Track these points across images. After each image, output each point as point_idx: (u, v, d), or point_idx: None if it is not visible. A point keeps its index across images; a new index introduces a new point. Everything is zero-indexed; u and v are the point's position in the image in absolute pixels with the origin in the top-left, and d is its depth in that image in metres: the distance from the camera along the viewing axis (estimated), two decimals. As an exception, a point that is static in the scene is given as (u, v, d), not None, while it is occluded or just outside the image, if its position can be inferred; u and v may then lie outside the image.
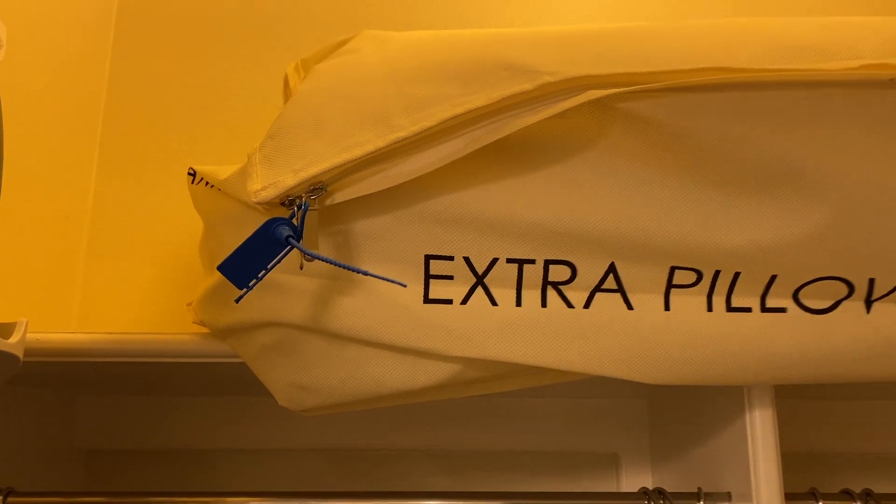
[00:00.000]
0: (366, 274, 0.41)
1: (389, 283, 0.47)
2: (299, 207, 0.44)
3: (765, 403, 0.54)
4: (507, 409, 0.81)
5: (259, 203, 0.44)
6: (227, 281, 0.50)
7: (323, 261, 0.42)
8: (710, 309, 0.47)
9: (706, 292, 0.47)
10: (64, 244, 0.79)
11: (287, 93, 0.70)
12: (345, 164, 0.43)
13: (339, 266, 0.42)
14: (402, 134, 0.43)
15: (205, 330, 0.56)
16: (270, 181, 0.44)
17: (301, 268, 0.45)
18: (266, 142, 0.47)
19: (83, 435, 0.77)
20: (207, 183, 0.53)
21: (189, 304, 0.62)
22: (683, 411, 0.71)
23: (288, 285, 0.48)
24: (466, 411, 0.80)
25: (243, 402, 0.78)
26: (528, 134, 0.44)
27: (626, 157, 0.44)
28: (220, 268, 0.42)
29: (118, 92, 0.87)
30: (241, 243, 0.48)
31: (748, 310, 0.47)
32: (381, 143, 0.43)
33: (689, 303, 0.47)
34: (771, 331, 0.47)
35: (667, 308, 0.47)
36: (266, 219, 0.47)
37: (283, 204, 0.44)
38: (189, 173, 0.55)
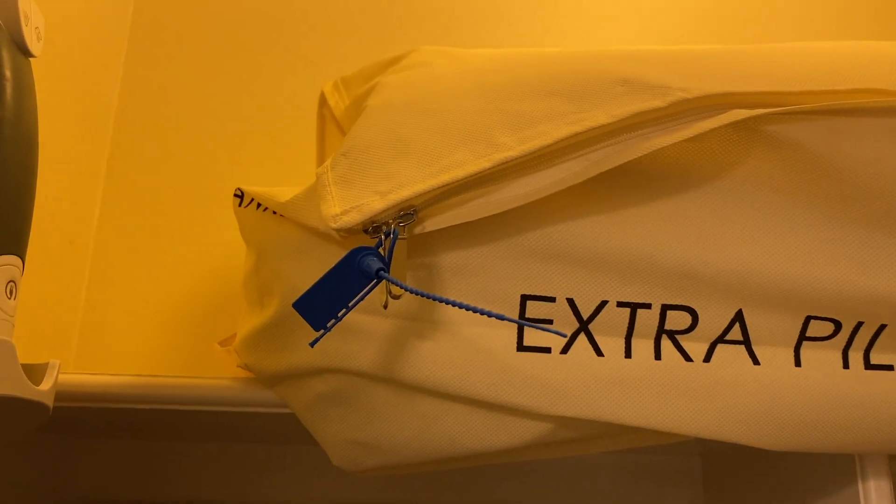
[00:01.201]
0: (477, 311, 0.34)
1: (477, 327, 0.40)
2: (387, 235, 0.37)
3: (880, 472, 0.48)
4: (545, 464, 0.74)
5: (339, 229, 0.37)
6: (282, 319, 0.44)
7: (425, 297, 0.36)
8: (846, 366, 0.41)
9: (842, 346, 0.41)
10: (66, 270, 0.72)
11: (324, 113, 0.64)
12: (441, 186, 0.37)
13: (448, 303, 0.35)
14: (509, 154, 0.37)
15: (237, 373, 0.49)
16: (353, 204, 0.38)
17: (385, 306, 0.38)
18: (339, 160, 0.40)
19: (79, 482, 0.68)
20: (259, 205, 0.46)
21: (222, 344, 0.55)
22: (753, 473, 0.65)
23: (358, 326, 0.41)
24: (501, 465, 0.73)
25: (258, 451, 0.70)
26: (647, 159, 0.38)
27: (765, 189, 0.39)
28: (297, 305, 0.36)
29: (128, 110, 0.80)
30: (308, 275, 0.42)
31: (889, 368, 0.41)
32: (485, 164, 0.37)
33: (822, 358, 0.41)
34: (916, 392, 0.41)
35: (797, 364, 0.41)
36: (340, 247, 0.41)
37: (365, 231, 0.38)
38: (236, 195, 0.48)
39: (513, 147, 0.38)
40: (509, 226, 0.39)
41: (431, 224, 0.38)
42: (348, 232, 0.37)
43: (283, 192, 0.44)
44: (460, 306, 0.34)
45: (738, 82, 0.37)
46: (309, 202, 0.41)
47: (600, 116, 0.37)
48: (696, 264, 0.39)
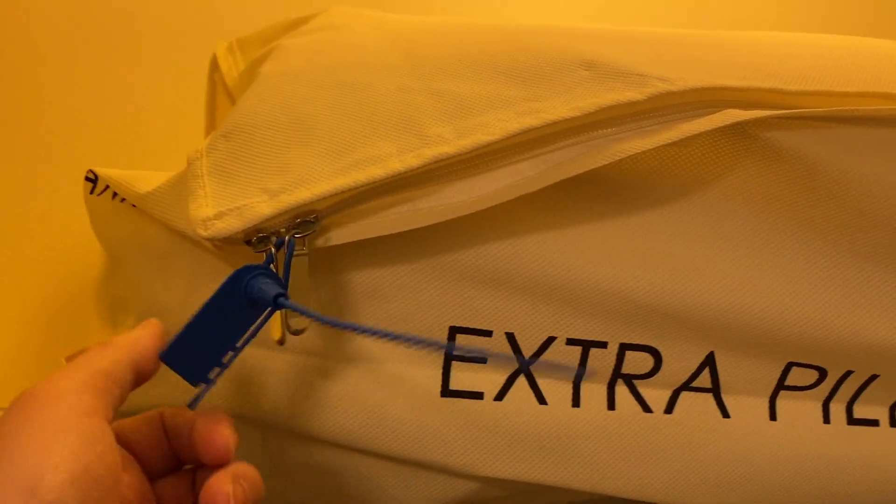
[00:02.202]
0: (402, 339, 0.25)
1: (395, 365, 0.32)
2: (279, 247, 0.28)
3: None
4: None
5: (211, 238, 0.28)
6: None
7: (344, 328, 0.26)
8: (826, 420, 0.35)
9: (823, 398, 0.35)
10: None
11: (216, 79, 0.53)
12: (354, 188, 0.28)
13: (373, 333, 0.25)
14: (444, 150, 0.29)
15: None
16: (231, 205, 0.28)
17: (281, 342, 0.29)
18: (217, 143, 0.31)
19: None
20: (116, 195, 0.36)
21: (70, 360, 0.45)
22: None
23: (245, 362, 0.32)
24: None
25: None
26: (611, 165, 0.30)
27: (751, 209, 0.32)
28: (165, 357, 0.26)
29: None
30: (174, 290, 0.32)
31: (874, 423, 0.35)
32: (412, 162, 0.29)
33: (800, 411, 0.35)
34: (901, 451, 0.35)
35: (772, 417, 0.34)
36: (217, 258, 0.31)
37: (248, 242, 0.29)
38: (87, 178, 0.38)
39: (449, 141, 0.29)
40: (439, 241, 0.31)
41: (338, 236, 0.29)
42: (224, 241, 0.28)
43: (147, 177, 0.34)
44: (384, 335, 0.24)
45: (730, 75, 0.30)
46: (175, 196, 0.31)
47: (560, 108, 0.29)
48: (664, 297, 0.32)
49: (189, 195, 0.29)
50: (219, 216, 0.28)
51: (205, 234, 0.28)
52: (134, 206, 0.35)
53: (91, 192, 0.38)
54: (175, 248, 0.33)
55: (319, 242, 0.29)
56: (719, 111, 0.29)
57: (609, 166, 0.30)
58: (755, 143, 0.30)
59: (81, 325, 0.53)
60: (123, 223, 0.35)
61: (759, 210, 0.31)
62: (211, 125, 0.55)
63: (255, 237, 0.28)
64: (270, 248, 0.28)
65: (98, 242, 0.39)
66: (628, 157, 0.29)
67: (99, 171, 0.37)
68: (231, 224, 0.28)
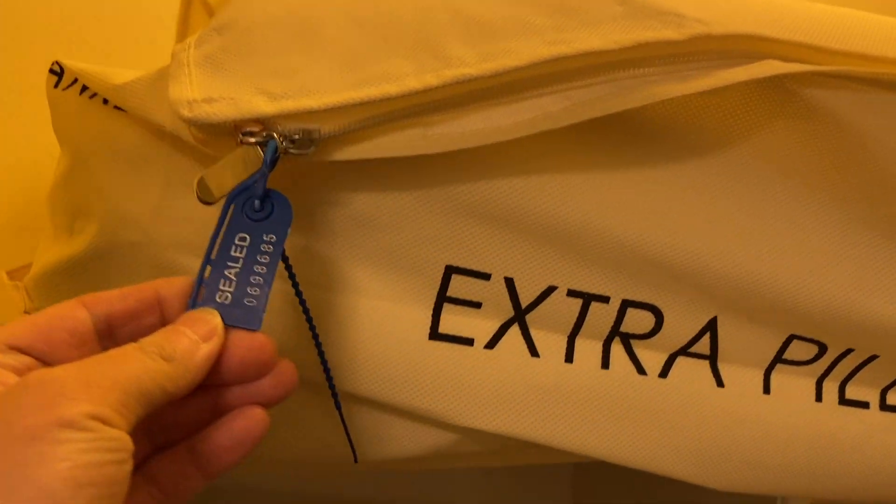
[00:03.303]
0: None
1: (384, 302, 0.30)
2: (268, 154, 0.25)
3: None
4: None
5: (194, 121, 0.25)
6: (99, 253, 0.31)
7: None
8: (818, 398, 0.34)
9: (818, 375, 0.34)
10: None
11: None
12: (367, 103, 0.26)
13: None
14: (466, 71, 0.26)
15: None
16: (223, 94, 0.25)
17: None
18: (209, 36, 0.28)
19: None
20: (84, 90, 0.32)
21: (11, 275, 0.41)
22: (629, 489, 0.58)
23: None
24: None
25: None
26: (636, 110, 0.28)
27: (776, 169, 0.30)
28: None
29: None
30: (143, 196, 0.30)
31: (865, 405, 0.34)
32: (432, 81, 0.26)
33: (793, 386, 0.34)
34: (887, 436, 0.34)
35: (766, 391, 0.33)
36: (195, 161, 0.29)
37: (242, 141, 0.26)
38: (52, 71, 0.34)
39: (470, 63, 0.26)
40: (446, 171, 0.29)
41: (341, 153, 0.26)
42: (208, 132, 0.25)
43: (121, 73, 0.31)
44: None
45: (769, 25, 0.28)
46: (155, 89, 0.28)
47: (593, 39, 0.27)
48: (674, 253, 0.30)
49: (171, 80, 0.26)
50: (208, 101, 0.25)
51: (189, 114, 0.24)
52: (105, 102, 0.31)
53: (55, 87, 0.34)
54: (149, 150, 0.29)
55: (317, 156, 0.26)
56: (759, 62, 0.27)
57: (633, 111, 0.28)
58: (790, 100, 0.29)
59: (29, 236, 0.49)
60: (91, 121, 0.32)
61: (781, 172, 0.30)
62: (182, 39, 0.51)
63: (243, 133, 0.25)
64: (274, 137, 0.25)
65: (56, 142, 0.35)
66: (655, 102, 0.27)
67: (66, 63, 0.34)
68: (223, 110, 0.24)
